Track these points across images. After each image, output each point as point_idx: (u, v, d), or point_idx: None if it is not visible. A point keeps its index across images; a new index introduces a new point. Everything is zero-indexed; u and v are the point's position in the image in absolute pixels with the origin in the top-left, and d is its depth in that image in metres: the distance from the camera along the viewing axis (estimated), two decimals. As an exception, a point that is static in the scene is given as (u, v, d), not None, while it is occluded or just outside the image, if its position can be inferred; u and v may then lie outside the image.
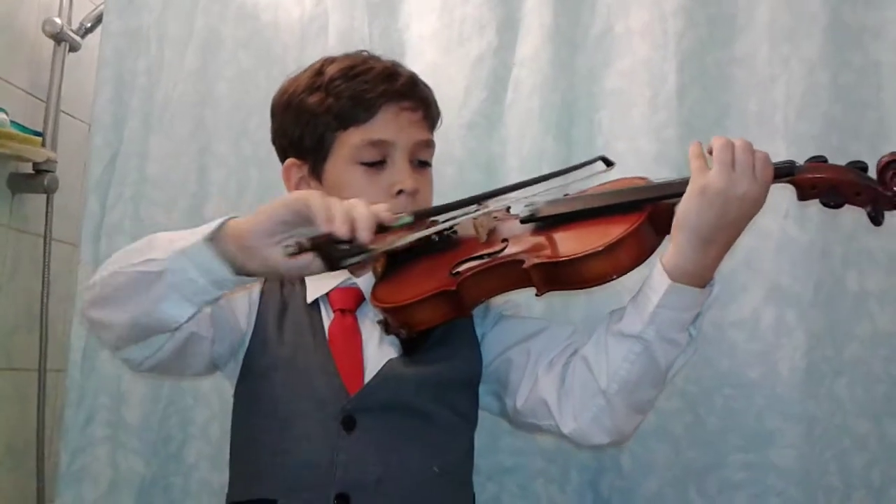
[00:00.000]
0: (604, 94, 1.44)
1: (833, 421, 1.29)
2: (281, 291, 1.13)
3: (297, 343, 1.08)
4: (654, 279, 0.96)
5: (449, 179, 1.45)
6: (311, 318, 1.10)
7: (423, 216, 0.98)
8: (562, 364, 1.06)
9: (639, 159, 1.39)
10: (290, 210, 0.87)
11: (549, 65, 1.44)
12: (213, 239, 0.89)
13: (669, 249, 0.95)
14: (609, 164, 1.06)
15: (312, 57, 1.51)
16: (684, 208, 0.92)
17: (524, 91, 1.47)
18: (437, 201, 1.33)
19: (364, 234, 0.85)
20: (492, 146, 1.47)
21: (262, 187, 1.52)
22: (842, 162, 1.29)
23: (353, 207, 0.87)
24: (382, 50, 1.52)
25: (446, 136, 1.45)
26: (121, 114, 1.57)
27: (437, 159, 1.27)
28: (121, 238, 1.52)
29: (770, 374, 1.30)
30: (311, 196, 0.87)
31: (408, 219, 0.92)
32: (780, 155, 1.32)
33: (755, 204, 0.92)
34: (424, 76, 1.46)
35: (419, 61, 1.50)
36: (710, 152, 0.93)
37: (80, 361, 1.50)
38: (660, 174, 1.36)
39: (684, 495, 1.32)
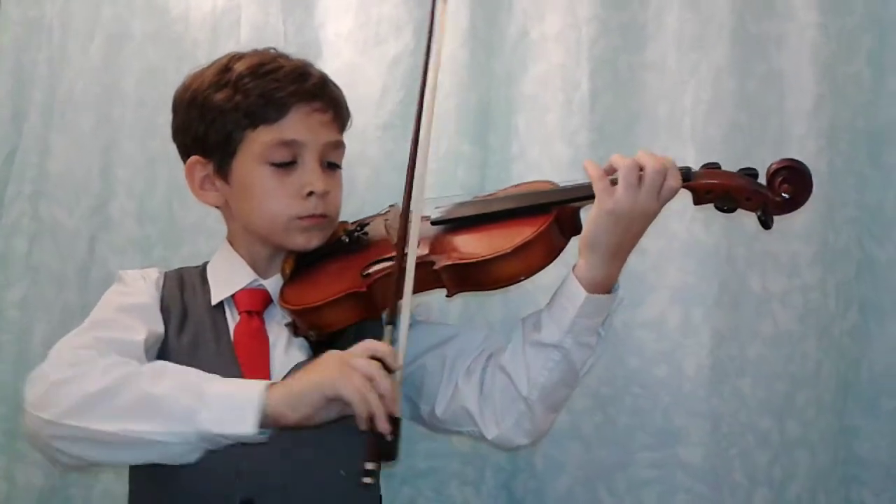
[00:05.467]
0: (520, 99, 1.45)
1: (737, 418, 1.33)
2: (181, 296, 1.10)
3: (198, 348, 1.05)
4: (569, 291, 0.99)
5: (364, 180, 1.44)
6: (215, 321, 1.08)
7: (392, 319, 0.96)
8: (479, 370, 1.08)
9: (553, 163, 1.40)
10: (325, 397, 0.89)
11: (466, 68, 1.44)
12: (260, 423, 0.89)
13: (580, 264, 0.99)
14: None
15: (224, 52, 1.46)
16: (594, 229, 0.97)
17: (441, 93, 1.45)
18: (353, 203, 1.34)
19: (397, 409, 0.88)
20: (408, 148, 1.44)
21: (170, 186, 1.47)
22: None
23: (378, 383, 0.87)
24: (297, 47, 1.50)
25: (362, 137, 1.44)
26: (21, 107, 1.50)
27: (353, 160, 1.26)
28: (19, 239, 1.46)
29: (676, 373, 1.33)
30: (340, 378, 0.88)
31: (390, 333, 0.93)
32: (688, 159, 1.38)
33: (654, 215, 0.98)
34: (340, 75, 1.43)
35: (335, 60, 1.48)
36: (610, 170, 0.97)
37: (-26, 368, 1.43)
38: (574, 178, 1.39)
39: (594, 493, 1.34)
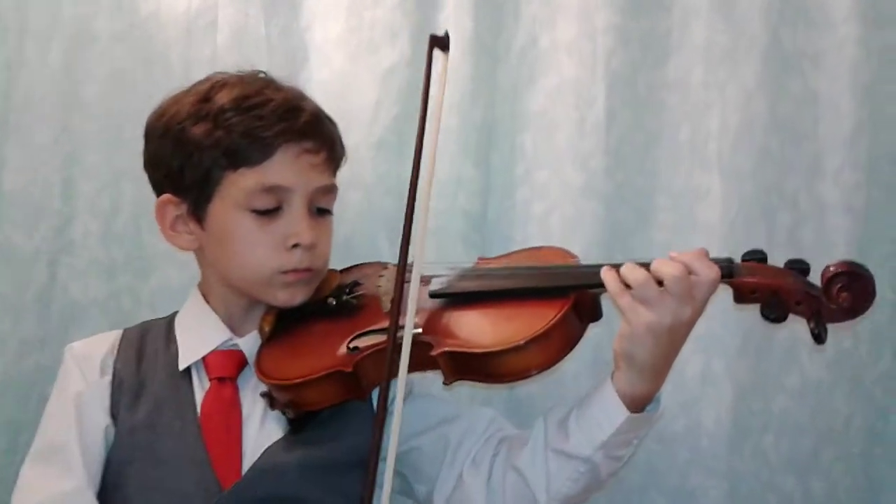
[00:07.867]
0: (527, 115, 1.31)
1: (759, 478, 1.23)
2: (138, 367, 0.98)
3: (157, 426, 0.93)
4: (606, 404, 0.87)
5: (356, 205, 1.30)
6: (178, 393, 0.96)
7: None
8: (487, 461, 0.97)
9: (563, 189, 1.28)
10: None
11: (469, 79, 1.30)
12: None
13: (618, 376, 0.87)
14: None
15: (199, 57, 1.34)
16: (629, 345, 0.85)
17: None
18: (343, 230, 1.20)
19: None
20: (403, 169, 1.31)
21: (137, 204, 1.32)
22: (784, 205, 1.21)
23: None
24: (282, 52, 1.35)
25: (354, 156, 1.27)
26: (-28, 117, 1.35)
27: (343, 182, 1.13)
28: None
29: (694, 427, 1.23)
30: None
31: None
32: (713, 188, 1.26)
33: (697, 316, 0.85)
34: (329, 85, 1.31)
35: (323, 69, 1.34)
36: (627, 283, 0.84)
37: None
38: (586, 206, 1.27)
39: (603, 558, 1.24)
